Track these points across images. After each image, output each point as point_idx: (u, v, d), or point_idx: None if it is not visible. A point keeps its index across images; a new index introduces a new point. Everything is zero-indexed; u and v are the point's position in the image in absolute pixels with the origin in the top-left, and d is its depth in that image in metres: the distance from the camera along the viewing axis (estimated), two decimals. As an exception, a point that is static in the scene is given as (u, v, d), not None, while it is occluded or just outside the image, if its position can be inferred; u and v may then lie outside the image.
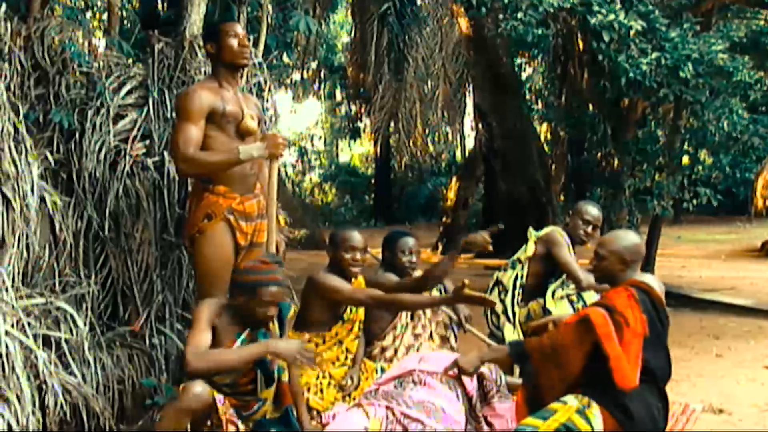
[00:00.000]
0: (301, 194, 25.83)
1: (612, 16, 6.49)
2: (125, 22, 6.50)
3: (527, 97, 12.26)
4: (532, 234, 5.24)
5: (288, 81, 20.01)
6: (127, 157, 4.48)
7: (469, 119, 20.96)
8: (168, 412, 3.28)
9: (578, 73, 8.90)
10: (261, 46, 5.28)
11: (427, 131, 18.67)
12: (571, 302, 5.03)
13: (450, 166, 23.51)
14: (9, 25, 4.22)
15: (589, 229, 5.07)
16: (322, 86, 22.01)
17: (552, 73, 10.97)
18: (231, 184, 3.96)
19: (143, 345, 4.44)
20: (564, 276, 5.07)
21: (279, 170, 4.07)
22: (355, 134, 23.37)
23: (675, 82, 6.84)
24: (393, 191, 24.17)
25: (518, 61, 14.10)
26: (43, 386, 3.61)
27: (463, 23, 12.20)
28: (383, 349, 4.52)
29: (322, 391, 4.08)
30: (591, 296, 4.89)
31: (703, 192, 8.39)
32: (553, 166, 12.92)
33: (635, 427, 3.18)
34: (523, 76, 15.39)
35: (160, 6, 5.83)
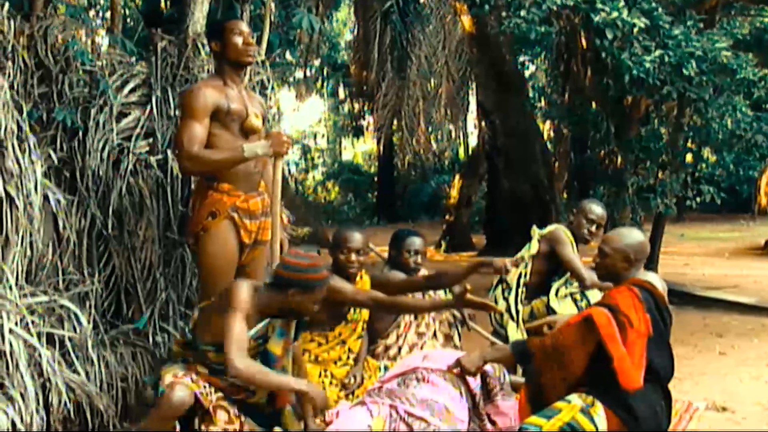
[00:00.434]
0: (303, 192, 25.84)
1: (615, 14, 6.47)
2: (128, 20, 6.51)
3: (530, 94, 12.21)
4: (536, 232, 5.24)
5: (291, 79, 20.02)
6: (131, 155, 4.49)
7: (471, 117, 21.02)
8: (152, 419, 3.31)
9: (581, 71, 8.87)
10: (264, 44, 5.28)
11: (430, 129, 18.72)
12: (575, 301, 5.02)
13: (453, 163, 23.49)
14: (12, 23, 4.22)
15: (593, 227, 5.06)
16: (325, 84, 22.01)
17: (555, 70, 10.93)
18: (235, 182, 3.96)
19: (147, 343, 4.45)
20: (568, 274, 5.06)
21: (283, 168, 4.07)
22: (358, 132, 23.37)
23: (678, 79, 6.82)
24: (396, 189, 24.13)
25: (521, 58, 14.07)
26: (47, 384, 3.62)
27: (466, 21, 12.18)
28: (387, 348, 4.53)
29: (325, 389, 4.08)
30: (595, 295, 4.88)
31: (707, 190, 8.36)
32: (557, 164, 12.90)
33: (639, 427, 3.18)
34: (527, 73, 15.37)
35: (163, 4, 5.84)
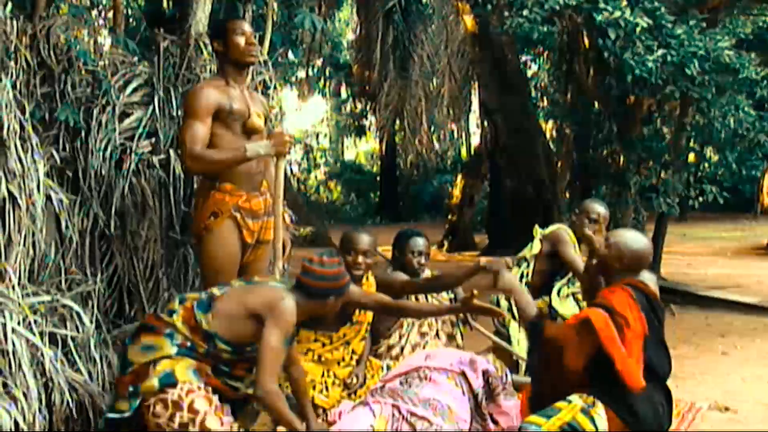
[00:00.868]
0: (306, 192, 25.85)
1: (618, 13, 6.47)
2: (131, 20, 6.51)
3: (533, 94, 12.23)
4: (538, 232, 5.24)
5: (293, 78, 20.02)
6: (133, 155, 4.49)
7: (474, 116, 21.03)
8: None
9: (584, 71, 8.88)
10: (266, 44, 5.28)
11: (432, 128, 18.72)
12: (577, 300, 5.02)
13: (455, 163, 23.48)
14: (15, 23, 4.22)
15: (596, 227, 5.06)
16: (327, 84, 22.00)
17: (557, 70, 10.94)
18: (237, 181, 3.96)
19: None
20: (570, 274, 5.06)
21: (285, 168, 4.07)
22: (361, 132, 23.36)
23: (681, 79, 6.82)
24: (398, 189, 24.16)
25: (524, 58, 14.07)
26: (50, 384, 3.62)
27: (469, 20, 12.19)
28: (389, 348, 4.52)
29: (327, 389, 4.09)
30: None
31: (709, 189, 8.36)
32: (559, 164, 12.87)
33: (640, 427, 3.17)
34: (529, 73, 15.37)
35: (165, 4, 5.84)
